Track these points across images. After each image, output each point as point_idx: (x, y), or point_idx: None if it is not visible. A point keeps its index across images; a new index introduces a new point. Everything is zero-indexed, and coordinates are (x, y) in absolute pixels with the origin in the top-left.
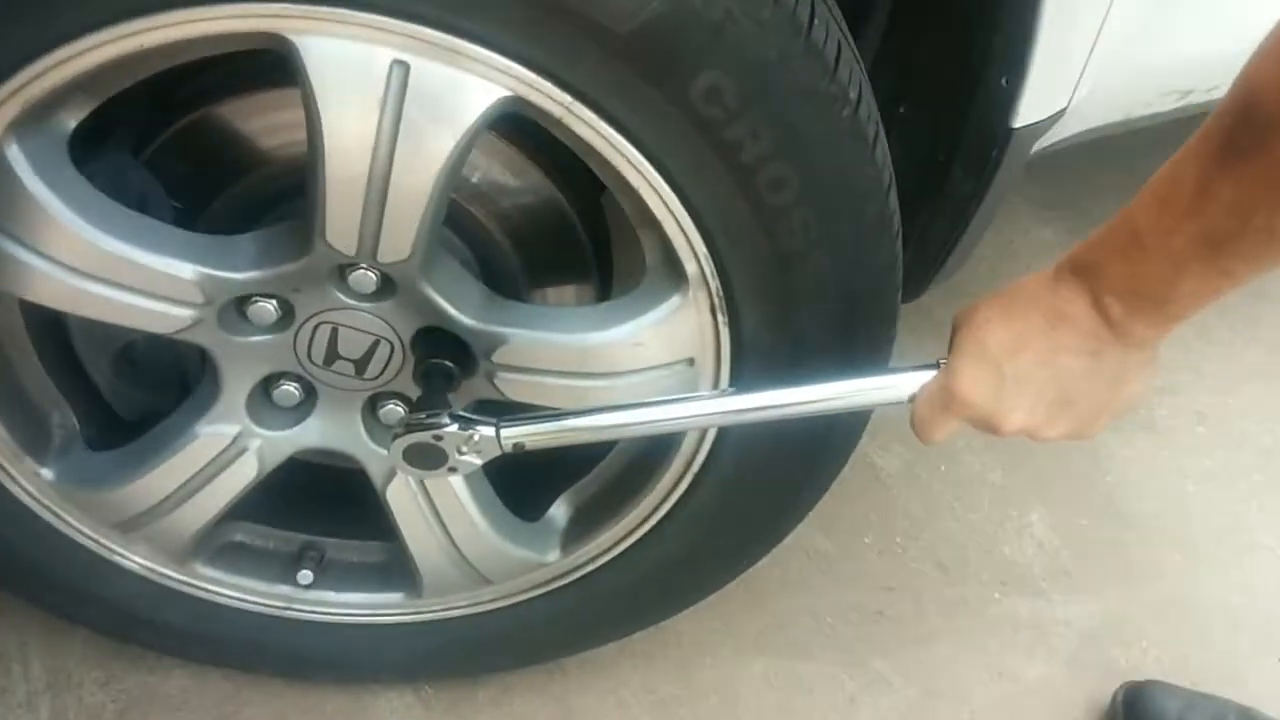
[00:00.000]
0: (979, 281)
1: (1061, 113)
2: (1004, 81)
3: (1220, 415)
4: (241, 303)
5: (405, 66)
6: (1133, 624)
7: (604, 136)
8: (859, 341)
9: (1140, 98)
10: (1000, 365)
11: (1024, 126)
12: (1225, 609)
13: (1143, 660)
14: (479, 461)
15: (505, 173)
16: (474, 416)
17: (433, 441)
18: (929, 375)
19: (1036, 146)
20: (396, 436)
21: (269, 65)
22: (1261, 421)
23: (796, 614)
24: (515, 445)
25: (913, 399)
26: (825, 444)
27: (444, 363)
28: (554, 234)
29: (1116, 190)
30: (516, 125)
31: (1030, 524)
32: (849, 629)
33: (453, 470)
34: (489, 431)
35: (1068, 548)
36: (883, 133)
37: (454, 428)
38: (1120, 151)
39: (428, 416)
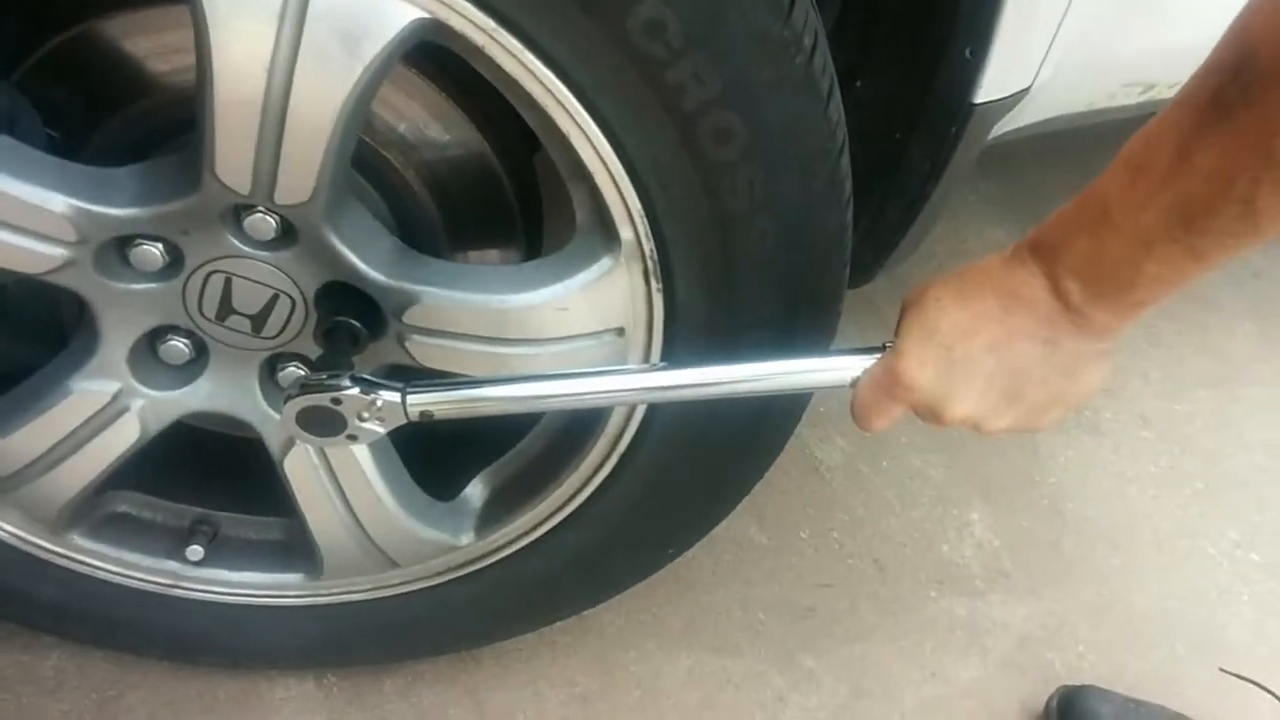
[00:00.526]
0: (929, 279)
1: (1024, 92)
2: (968, 52)
3: (1165, 420)
4: (122, 244)
5: None
6: (1069, 627)
7: (531, 71)
8: (802, 316)
9: (1104, 88)
10: (950, 349)
11: (986, 103)
12: (1164, 615)
13: (1079, 664)
14: (382, 430)
15: (430, 120)
16: (378, 380)
17: (331, 405)
18: (873, 358)
19: (996, 130)
20: (290, 398)
21: None
22: (1206, 428)
23: (726, 607)
24: (423, 414)
25: (855, 383)
26: (761, 428)
27: (350, 322)
28: (480, 192)
29: (1073, 192)
30: (443, 67)
31: (970, 523)
32: (780, 624)
33: (352, 438)
34: (394, 397)
35: (1007, 548)
36: (837, 89)
37: (355, 391)
38: (1077, 152)
39: (327, 378)
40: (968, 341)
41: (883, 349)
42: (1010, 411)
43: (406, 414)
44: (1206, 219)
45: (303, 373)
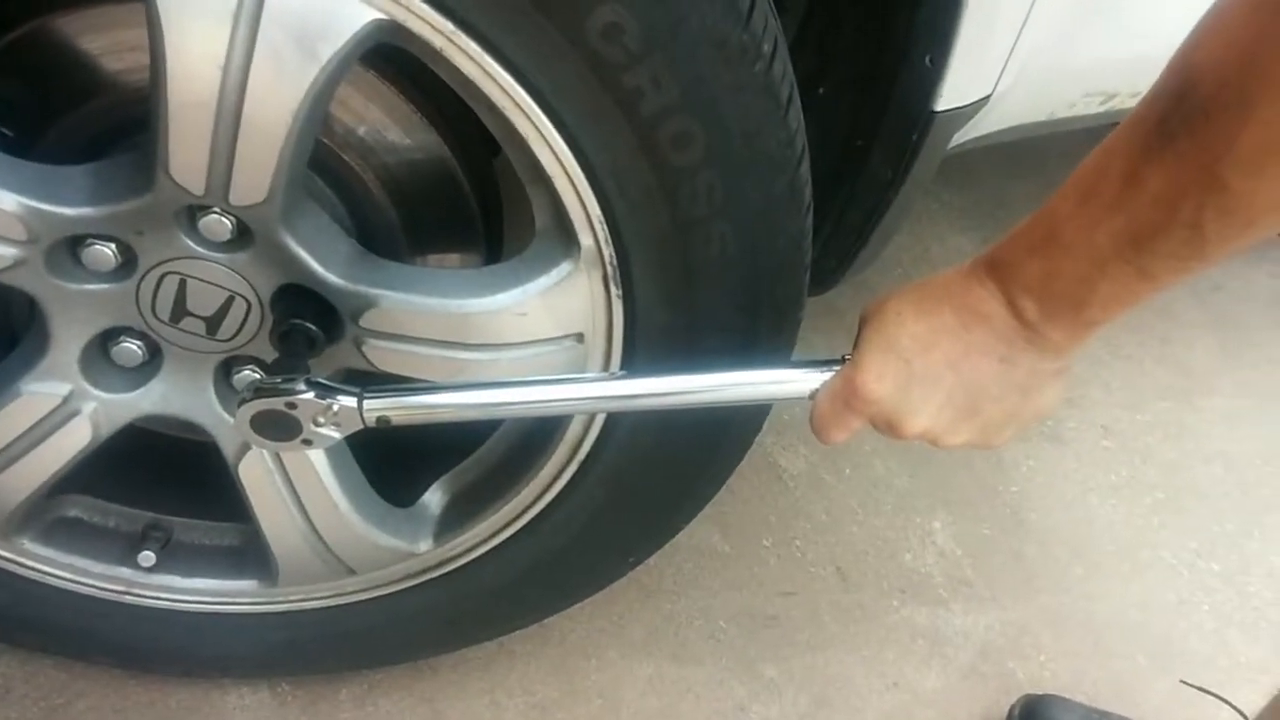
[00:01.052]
0: (892, 287)
1: (985, 100)
2: (928, 60)
3: (1126, 430)
4: (74, 244)
5: None
6: (1031, 636)
7: (489, 74)
8: (763, 322)
9: (1064, 97)
10: (909, 362)
11: (946, 110)
12: (1124, 625)
13: (1040, 674)
14: (338, 435)
15: (389, 123)
16: (334, 384)
17: (285, 410)
18: (832, 371)
19: (958, 138)
20: (244, 401)
21: None
22: (1166, 438)
23: (688, 616)
24: (379, 419)
25: (814, 395)
26: (723, 435)
27: (306, 325)
28: (440, 195)
29: (1034, 201)
30: (402, 69)
31: (933, 531)
32: (741, 633)
33: (307, 443)
34: (350, 402)
35: (969, 557)
36: (797, 95)
37: (310, 395)
38: (1039, 161)
39: (282, 381)
40: (926, 356)
41: (841, 361)
42: (967, 427)
43: (363, 419)
44: (1155, 242)
45: (258, 376)
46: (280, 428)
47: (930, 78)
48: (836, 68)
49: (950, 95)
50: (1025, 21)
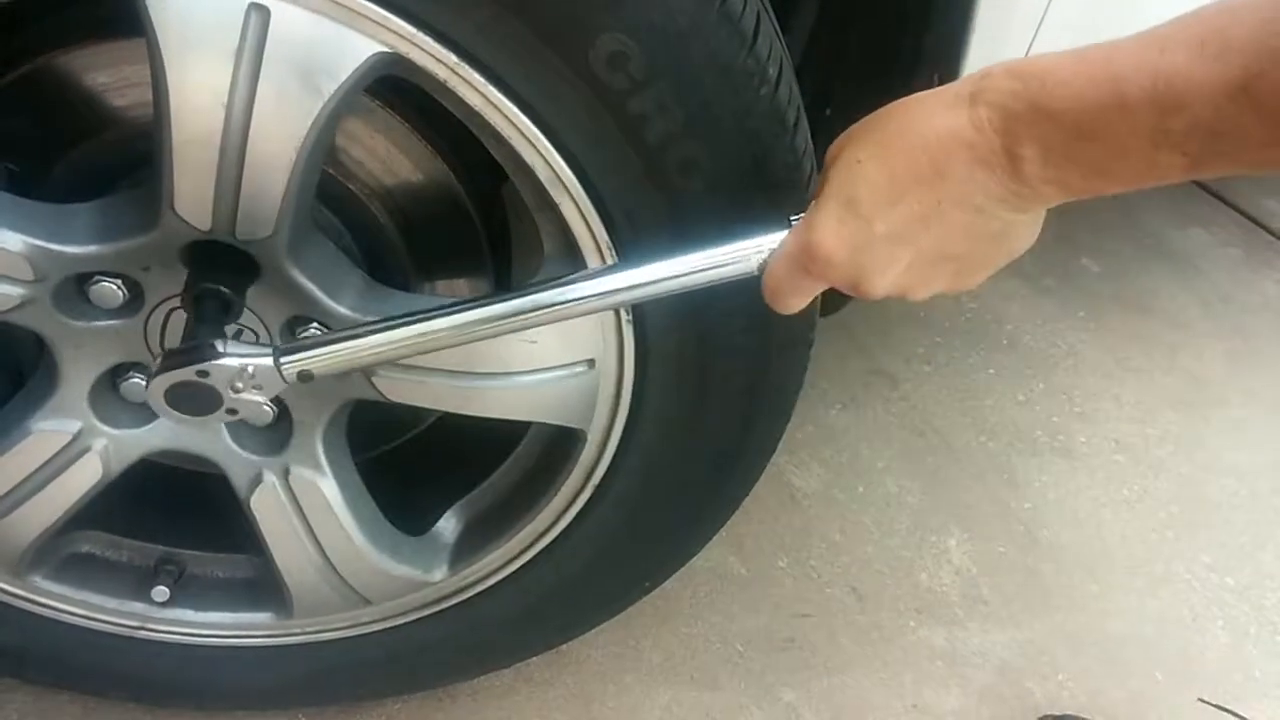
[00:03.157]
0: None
1: None
2: (936, 79)
3: (1138, 444)
4: (81, 281)
5: (265, 13)
6: (1048, 656)
7: (495, 105)
8: (774, 344)
9: None
10: (870, 219)
11: None
12: (1141, 642)
13: (1058, 694)
14: (262, 399)
15: (394, 151)
16: (244, 343)
17: (198, 379)
18: (781, 235)
19: None
20: (151, 377)
21: (117, 11)
22: (1178, 451)
23: (705, 640)
24: (301, 375)
25: (762, 269)
26: (738, 457)
27: None
28: (446, 221)
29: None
30: (404, 94)
31: (948, 549)
32: (759, 657)
33: (233, 413)
34: (265, 360)
35: (985, 575)
36: (804, 118)
37: (223, 360)
38: None
39: (189, 348)
40: (891, 212)
41: (789, 223)
42: (937, 278)
43: (283, 376)
44: (1239, 148)
45: (270, 409)
46: (199, 400)
47: None
48: (843, 88)
49: None
50: (1033, 40)
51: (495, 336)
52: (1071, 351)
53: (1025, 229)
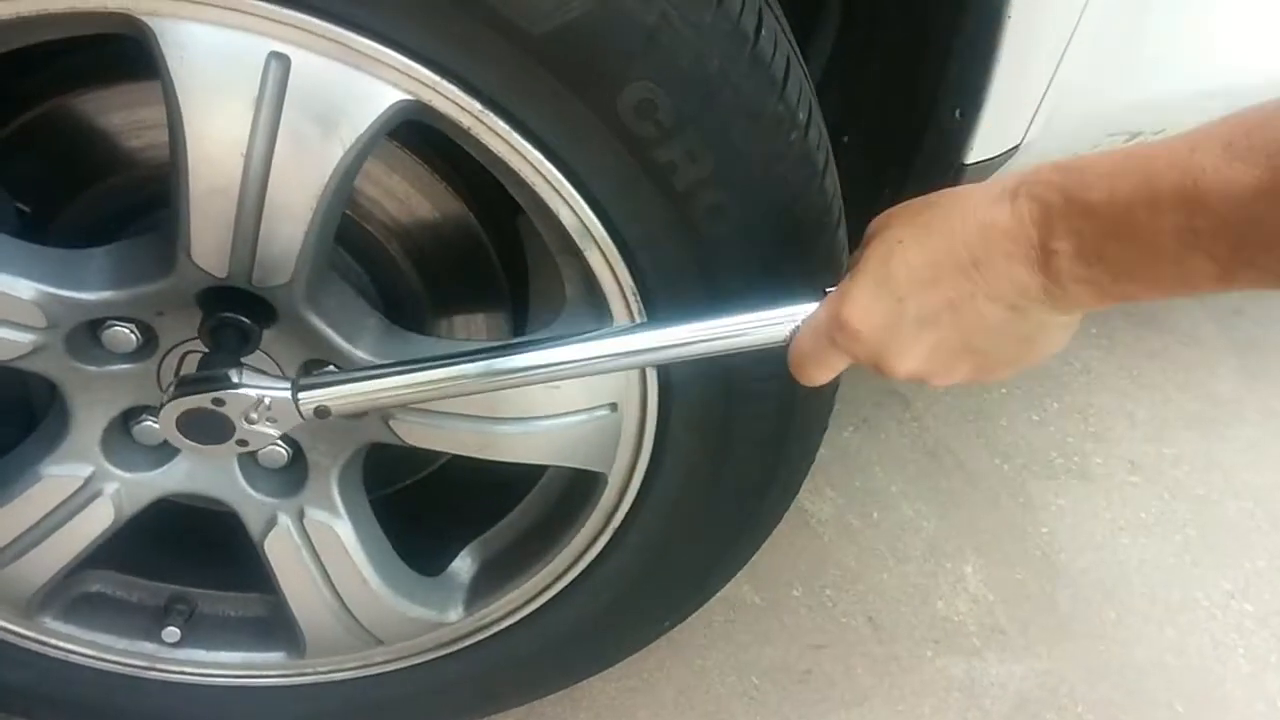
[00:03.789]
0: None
1: (1015, 149)
2: (958, 114)
3: (1153, 465)
4: (94, 327)
5: (285, 61)
6: (1067, 686)
7: (519, 152)
8: (800, 387)
9: (1090, 138)
10: (902, 301)
11: (976, 163)
12: (1161, 670)
13: None
14: (275, 433)
15: (407, 186)
16: (264, 373)
17: (213, 407)
18: (813, 307)
19: None
20: (165, 402)
21: (132, 52)
22: (1193, 471)
23: (720, 672)
24: (318, 410)
25: (793, 335)
26: (761, 499)
27: None
28: (463, 257)
29: None
30: (420, 132)
31: (964, 576)
32: (775, 690)
33: (243, 444)
34: (283, 393)
35: (1002, 603)
36: (833, 161)
37: (240, 389)
38: None
39: (206, 375)
40: (924, 295)
41: (823, 294)
42: (960, 369)
43: (299, 412)
44: (1267, 256)
45: (285, 451)
46: (210, 428)
47: (960, 131)
48: (863, 115)
49: (981, 147)
50: (1057, 69)
51: (519, 387)
52: (1085, 369)
53: (1056, 334)
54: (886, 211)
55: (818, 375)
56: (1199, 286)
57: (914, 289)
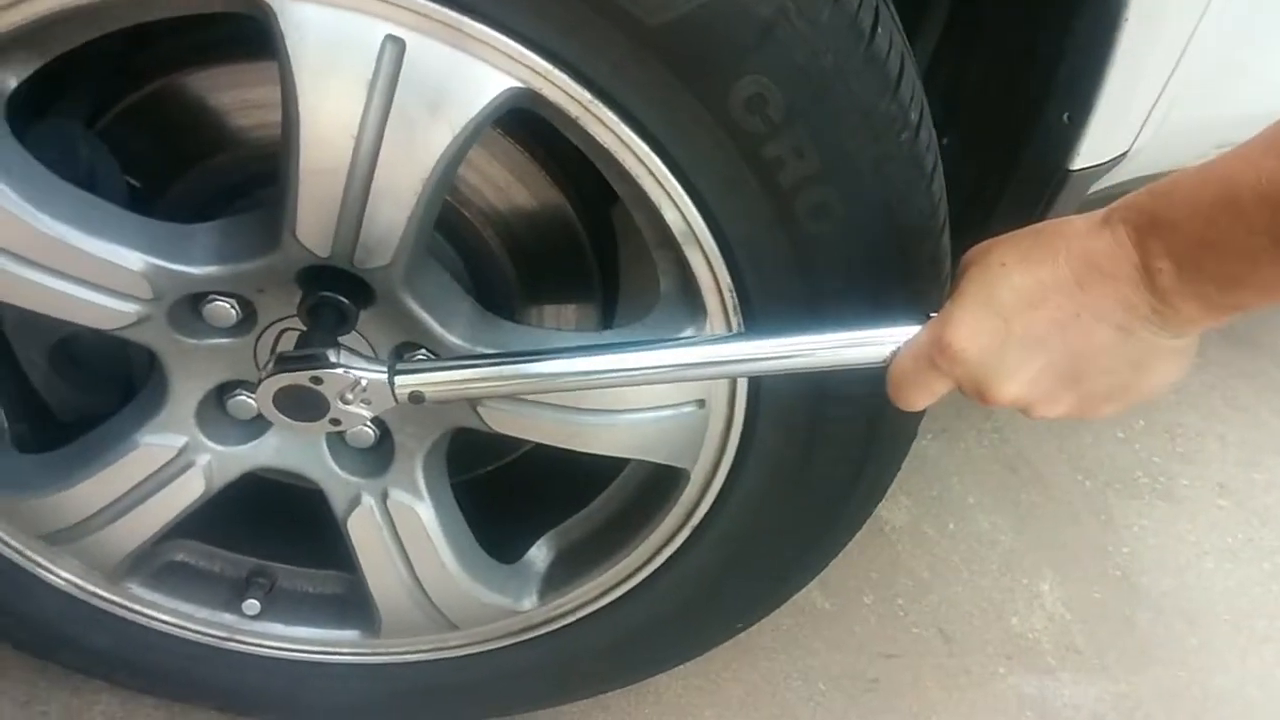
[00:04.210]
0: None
1: (1122, 157)
2: (1066, 118)
3: (1243, 489)
4: (196, 300)
5: (400, 44)
6: (1143, 711)
7: (625, 143)
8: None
9: (1197, 149)
10: (1008, 321)
11: (1082, 169)
12: (1242, 702)
13: None
14: (368, 414)
15: (506, 174)
16: (363, 355)
17: (310, 385)
18: (915, 329)
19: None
20: (264, 377)
21: (247, 32)
22: None
23: (787, 676)
24: (413, 395)
25: (893, 356)
26: (845, 504)
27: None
28: (557, 247)
29: None
30: (521, 119)
31: (1041, 594)
32: (841, 696)
33: (335, 423)
34: (380, 376)
35: (1079, 622)
36: (940, 164)
37: (339, 369)
38: None
39: (306, 353)
40: (1030, 315)
41: (926, 319)
42: (1066, 398)
43: (394, 395)
44: None
45: (373, 433)
46: (306, 405)
47: (1068, 135)
48: (965, 115)
49: (1088, 153)
50: (1170, 78)
51: (615, 386)
52: (1174, 387)
53: (1167, 362)
54: (985, 241)
55: (917, 399)
56: None
57: (1019, 310)
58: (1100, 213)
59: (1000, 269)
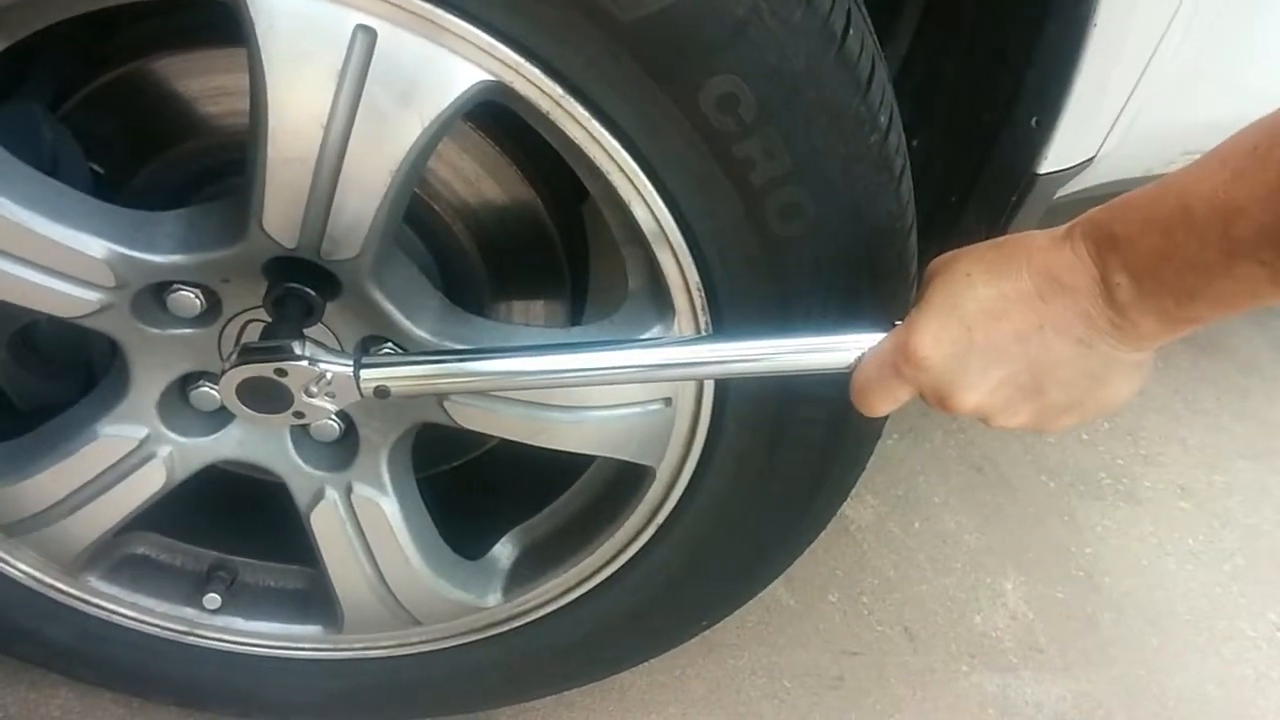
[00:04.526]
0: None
1: (1089, 161)
2: (1034, 122)
3: (1204, 491)
4: (160, 290)
5: (371, 34)
6: (1104, 710)
7: (596, 139)
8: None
9: (1164, 155)
10: (971, 330)
11: (1050, 173)
12: (1201, 700)
13: None
14: (332, 407)
15: (476, 167)
16: (329, 349)
17: (275, 377)
18: (879, 337)
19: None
20: (228, 369)
21: (215, 18)
22: (1245, 501)
23: (751, 673)
24: (378, 389)
25: (857, 362)
26: (810, 503)
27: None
28: (527, 242)
29: None
30: (493, 113)
31: (1004, 593)
32: (805, 694)
33: (299, 416)
34: (345, 369)
35: (1041, 621)
36: (909, 166)
37: (303, 361)
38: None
39: (271, 345)
40: (993, 326)
41: (891, 326)
42: (1025, 409)
43: (360, 389)
44: None
45: (337, 426)
46: (269, 398)
47: (1035, 140)
48: (935, 117)
49: (1055, 157)
50: (1137, 83)
51: (579, 386)
52: (1130, 401)
53: (1125, 375)
54: (950, 252)
55: (880, 405)
56: (1260, 294)
57: (983, 320)
58: (1062, 228)
59: (965, 279)
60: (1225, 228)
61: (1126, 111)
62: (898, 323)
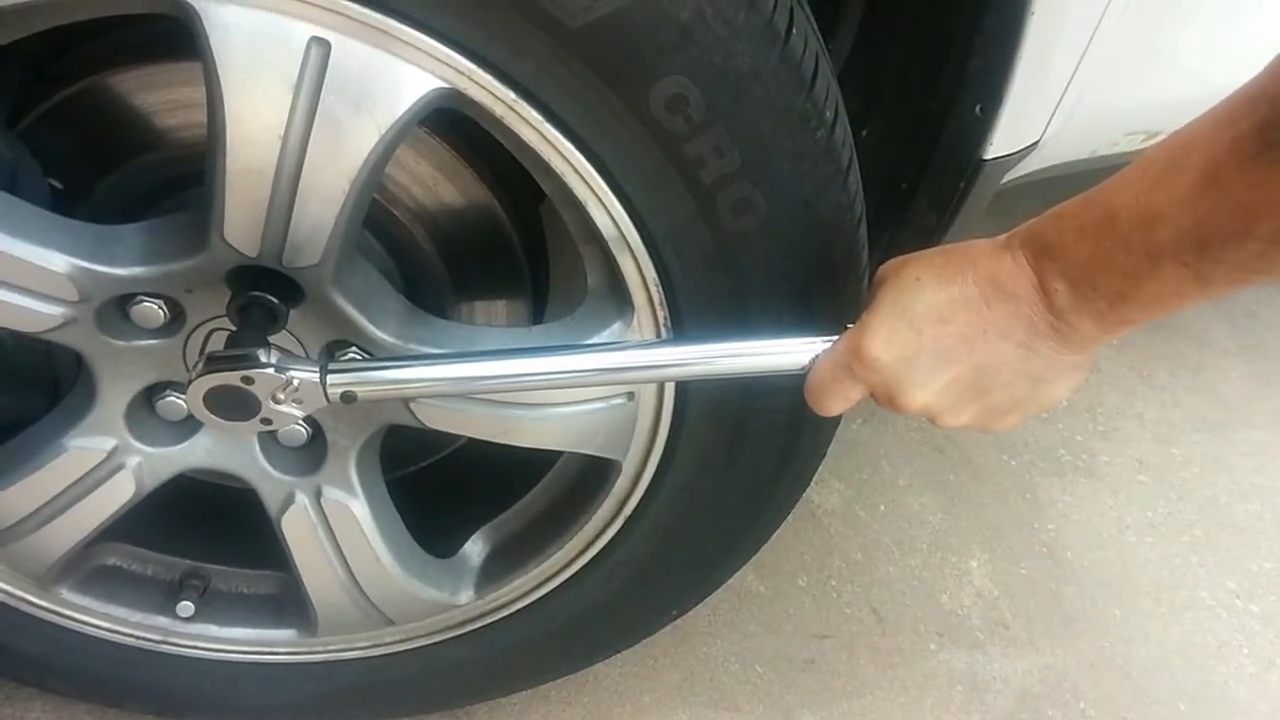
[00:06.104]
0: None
1: (1034, 146)
2: (979, 109)
3: (1161, 465)
4: (124, 302)
5: (325, 46)
6: (1070, 683)
7: (550, 142)
8: None
9: (1108, 136)
10: (920, 332)
11: (995, 158)
12: (1165, 669)
13: None
14: (299, 413)
15: (434, 172)
16: (294, 355)
17: (242, 385)
18: (832, 340)
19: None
20: (194, 378)
21: (171, 32)
22: (1202, 473)
23: (724, 660)
24: (345, 395)
25: (812, 363)
26: (773, 491)
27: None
28: (486, 244)
29: None
30: (448, 119)
31: (969, 571)
32: (778, 678)
33: (267, 423)
34: (312, 375)
35: (1007, 597)
36: (856, 160)
37: (269, 369)
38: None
39: (238, 353)
40: (940, 328)
41: (844, 329)
42: (970, 409)
43: (326, 395)
44: (1223, 250)
45: (305, 432)
46: (236, 405)
47: (980, 126)
48: (883, 109)
49: (1000, 143)
50: (1078, 67)
51: (544, 389)
52: (1095, 368)
53: (1066, 376)
54: (899, 258)
55: (833, 405)
56: (1186, 294)
57: (931, 323)
58: (1003, 237)
59: (915, 283)
60: (1148, 233)
61: (1068, 95)
62: (849, 326)
